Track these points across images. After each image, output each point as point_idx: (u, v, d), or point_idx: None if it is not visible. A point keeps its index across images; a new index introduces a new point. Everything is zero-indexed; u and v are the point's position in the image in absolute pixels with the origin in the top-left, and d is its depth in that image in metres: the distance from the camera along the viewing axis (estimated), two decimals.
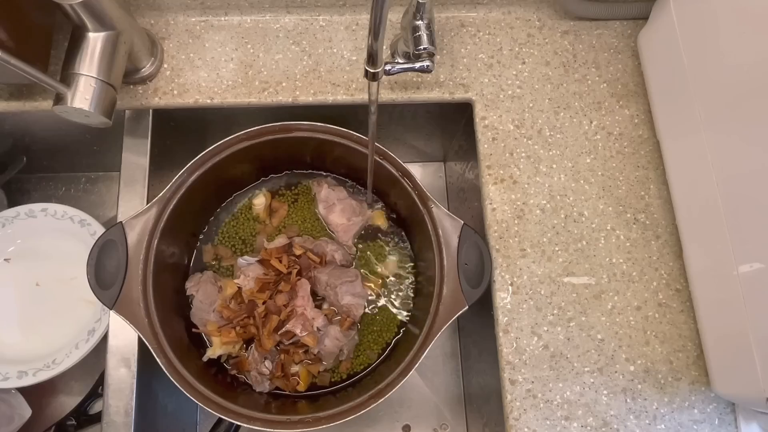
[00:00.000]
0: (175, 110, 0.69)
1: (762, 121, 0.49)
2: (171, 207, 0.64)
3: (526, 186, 0.67)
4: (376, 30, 0.39)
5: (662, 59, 0.65)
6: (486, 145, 0.68)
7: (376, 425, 0.82)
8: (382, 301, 0.74)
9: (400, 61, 0.65)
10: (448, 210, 0.64)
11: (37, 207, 0.80)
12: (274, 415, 0.61)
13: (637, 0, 0.71)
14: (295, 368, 0.69)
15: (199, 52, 0.70)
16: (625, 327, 0.63)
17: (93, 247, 0.61)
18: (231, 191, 0.76)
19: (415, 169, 0.94)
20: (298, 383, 0.68)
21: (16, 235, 0.80)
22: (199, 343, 0.70)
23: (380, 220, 0.77)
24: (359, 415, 0.59)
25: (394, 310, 0.74)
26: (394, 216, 0.77)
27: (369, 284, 0.74)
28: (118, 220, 0.63)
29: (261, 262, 0.70)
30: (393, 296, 0.75)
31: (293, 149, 0.71)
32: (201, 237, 0.75)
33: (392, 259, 0.76)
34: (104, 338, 0.64)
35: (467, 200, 0.78)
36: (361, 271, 0.74)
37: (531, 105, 0.70)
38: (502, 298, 0.63)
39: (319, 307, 0.70)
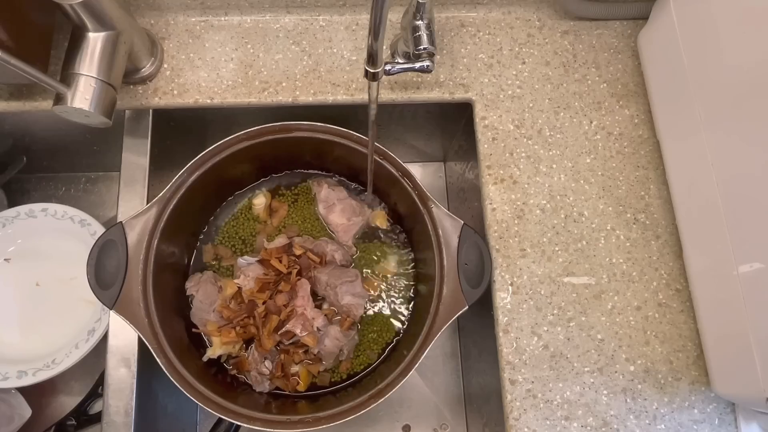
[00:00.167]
0: (175, 110, 0.69)
1: (762, 121, 0.49)
2: (171, 207, 0.64)
3: (526, 186, 0.67)
4: (376, 30, 0.39)
5: (662, 59, 0.65)
6: (486, 145, 0.68)
7: (376, 425, 0.82)
8: (382, 301, 0.74)
9: (400, 61, 0.65)
10: (448, 210, 0.64)
11: (37, 207, 0.80)
12: (274, 415, 0.61)
13: (637, 0, 0.71)
14: (295, 368, 0.69)
15: (199, 52, 0.70)
16: (625, 327, 0.63)
17: (93, 247, 0.61)
18: (231, 191, 0.76)
19: (415, 169, 0.94)
20: (298, 383, 0.68)
21: (16, 235, 0.80)
22: (199, 343, 0.70)
23: (380, 220, 0.77)
24: (359, 415, 0.59)
25: (394, 310, 0.74)
26: (394, 216, 0.77)
27: (369, 284, 0.74)
28: (118, 220, 0.63)
29: (261, 262, 0.70)
30: (393, 296, 0.75)
31: (293, 149, 0.71)
32: (201, 237, 0.75)
33: (392, 259, 0.76)
34: (104, 338, 0.64)
35: (467, 200, 0.78)
36: (362, 271, 0.74)
37: (531, 105, 0.70)
38: (502, 298, 0.63)
39: (319, 307, 0.70)
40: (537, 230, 0.65)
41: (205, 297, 0.69)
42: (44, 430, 0.78)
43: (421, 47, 0.60)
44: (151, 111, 0.68)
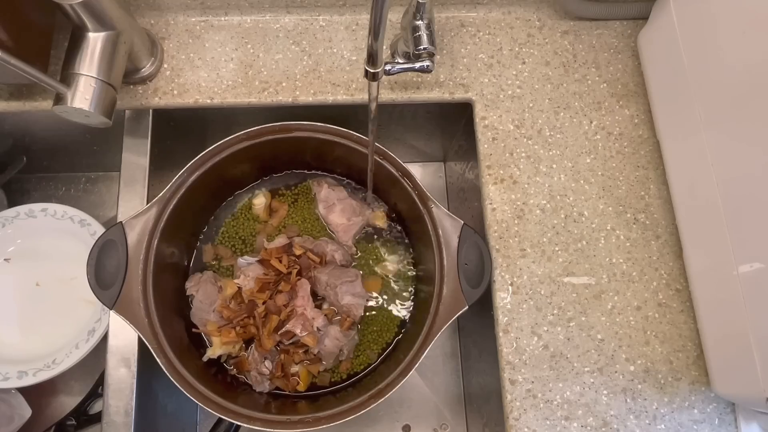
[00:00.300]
0: (175, 110, 0.69)
1: (762, 122, 0.49)
2: (171, 207, 0.64)
3: (526, 186, 0.67)
4: (376, 30, 0.39)
5: (662, 59, 0.65)
6: (486, 145, 0.68)
7: (376, 425, 0.82)
8: (382, 301, 0.74)
9: (400, 61, 0.65)
10: (448, 210, 0.64)
11: (37, 207, 0.80)
12: (274, 415, 0.61)
13: (637, 0, 0.71)
14: (295, 368, 0.69)
15: (199, 52, 0.70)
16: (625, 327, 0.63)
17: (93, 247, 0.61)
18: (231, 191, 0.76)
19: (415, 169, 0.94)
20: (298, 383, 0.68)
21: (16, 235, 0.80)
22: (199, 343, 0.70)
23: (380, 220, 0.77)
24: (359, 415, 0.59)
25: (394, 310, 0.74)
26: (394, 216, 0.77)
27: (369, 284, 0.74)
28: (118, 220, 0.63)
29: (261, 262, 0.70)
30: (393, 296, 0.75)
31: (293, 149, 0.71)
32: (201, 237, 0.75)
33: (392, 259, 0.76)
34: (104, 338, 0.64)
35: (467, 200, 0.78)
36: (362, 271, 0.74)
37: (531, 105, 0.70)
38: (502, 298, 0.63)
39: (319, 307, 0.70)
40: (537, 230, 0.65)
41: (205, 297, 0.69)
42: (44, 430, 0.78)
43: (421, 47, 0.60)
44: (151, 111, 0.68)
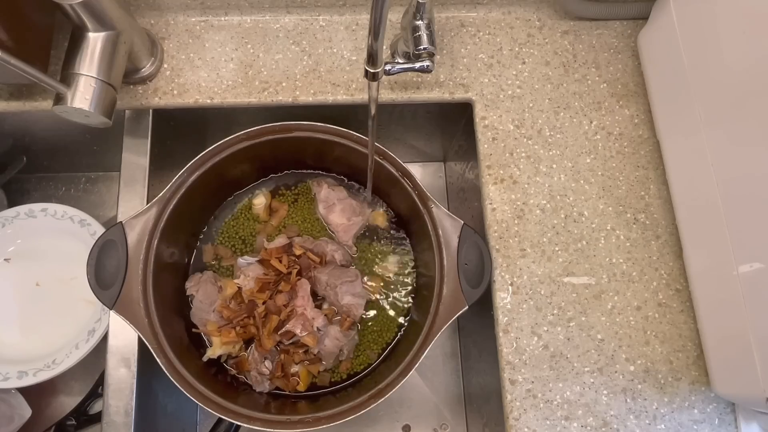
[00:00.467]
0: (175, 110, 0.69)
1: (762, 122, 0.49)
2: (171, 207, 0.64)
3: (526, 186, 0.67)
4: (376, 30, 0.39)
5: (662, 59, 0.65)
6: (486, 145, 0.68)
7: (376, 425, 0.82)
8: (382, 301, 0.74)
9: (400, 61, 0.65)
10: (448, 210, 0.64)
11: (37, 207, 0.80)
12: (274, 415, 0.61)
13: (637, 0, 0.71)
14: (295, 368, 0.69)
15: (199, 52, 0.70)
16: (625, 327, 0.63)
17: (93, 247, 0.61)
18: (231, 191, 0.76)
19: (415, 169, 0.94)
20: (298, 383, 0.68)
21: (16, 235, 0.80)
22: (199, 343, 0.70)
23: (380, 220, 0.77)
24: (359, 415, 0.59)
25: (394, 310, 0.74)
26: (394, 216, 0.77)
27: (369, 284, 0.74)
28: (118, 220, 0.63)
29: (261, 262, 0.70)
30: (393, 296, 0.75)
31: (293, 149, 0.71)
32: (201, 237, 0.75)
33: (392, 259, 0.76)
34: (104, 338, 0.64)
35: (467, 200, 0.78)
36: (362, 271, 0.74)
37: (531, 105, 0.70)
38: (502, 298, 0.63)
39: (319, 307, 0.70)
40: (537, 230, 0.65)
41: (205, 297, 0.69)
42: (44, 430, 0.78)
43: (421, 47, 0.60)
44: (151, 111, 0.68)
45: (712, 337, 0.59)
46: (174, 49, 0.70)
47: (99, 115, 0.57)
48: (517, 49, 0.72)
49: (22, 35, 0.57)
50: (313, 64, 0.70)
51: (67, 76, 0.56)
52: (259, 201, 0.76)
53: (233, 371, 0.70)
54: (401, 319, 0.74)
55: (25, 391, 0.76)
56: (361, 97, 0.69)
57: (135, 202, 0.66)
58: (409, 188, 0.66)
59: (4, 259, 0.80)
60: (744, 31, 0.51)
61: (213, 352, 0.67)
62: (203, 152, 0.65)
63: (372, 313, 0.74)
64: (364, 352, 0.72)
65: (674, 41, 0.61)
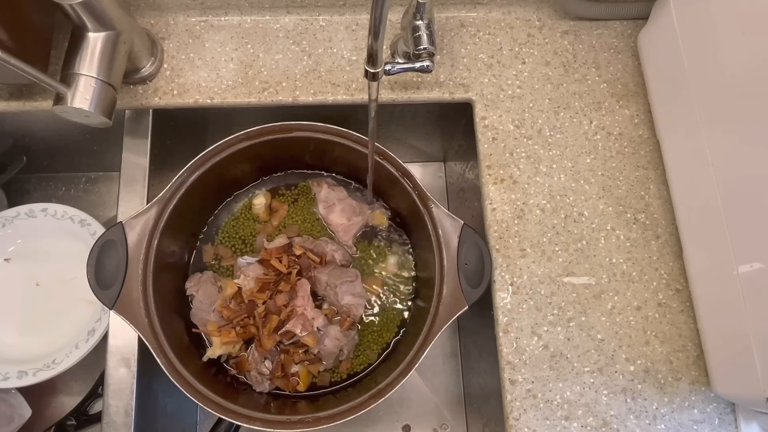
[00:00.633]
0: (175, 110, 0.69)
1: (762, 122, 0.49)
2: (171, 207, 0.64)
3: (526, 186, 0.67)
4: (376, 30, 0.39)
5: (662, 59, 0.65)
6: (486, 145, 0.68)
7: (376, 425, 0.82)
8: (382, 301, 0.74)
9: (400, 61, 0.65)
10: (448, 210, 0.64)
11: (37, 207, 0.80)
12: (274, 415, 0.61)
13: (637, 0, 0.71)
14: (295, 368, 0.69)
15: (199, 52, 0.70)
16: (625, 327, 0.63)
17: (93, 247, 0.61)
18: (231, 191, 0.76)
19: (415, 169, 0.94)
20: (298, 383, 0.68)
21: (16, 235, 0.80)
22: (199, 343, 0.70)
23: (380, 220, 0.77)
24: (359, 415, 0.59)
25: (394, 310, 0.74)
26: (394, 216, 0.77)
27: (369, 284, 0.74)
28: (118, 220, 0.63)
29: (261, 262, 0.70)
30: (393, 296, 0.75)
31: (293, 149, 0.71)
32: (201, 237, 0.75)
33: (392, 259, 0.76)
34: (104, 338, 0.64)
35: (467, 200, 0.78)
36: (362, 271, 0.74)
37: (531, 105, 0.70)
38: (502, 298, 0.63)
39: (319, 307, 0.70)
40: (537, 230, 0.65)
41: (205, 297, 0.69)
42: (44, 430, 0.78)
43: (421, 47, 0.60)
44: (151, 111, 0.68)
45: (712, 337, 0.59)
46: (174, 49, 0.70)
47: (99, 115, 0.57)
48: (517, 49, 0.72)
49: (22, 35, 0.57)
50: (313, 64, 0.70)
51: (67, 76, 0.56)
52: (259, 201, 0.76)
53: (233, 371, 0.70)
54: (401, 319, 0.74)
55: (25, 391, 0.76)
56: (361, 97, 0.69)
57: (135, 202, 0.66)
58: (409, 188, 0.66)
59: (4, 259, 0.80)
60: (744, 31, 0.51)
61: (213, 352, 0.67)
62: (203, 152, 0.65)
63: (372, 313, 0.74)
64: (364, 352, 0.72)
65: (674, 41, 0.61)
